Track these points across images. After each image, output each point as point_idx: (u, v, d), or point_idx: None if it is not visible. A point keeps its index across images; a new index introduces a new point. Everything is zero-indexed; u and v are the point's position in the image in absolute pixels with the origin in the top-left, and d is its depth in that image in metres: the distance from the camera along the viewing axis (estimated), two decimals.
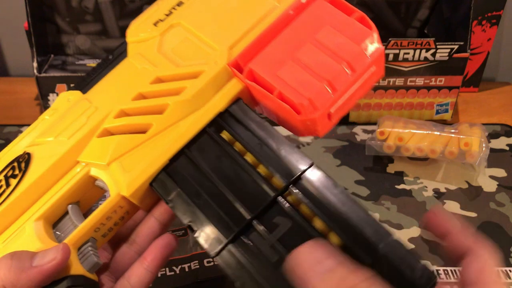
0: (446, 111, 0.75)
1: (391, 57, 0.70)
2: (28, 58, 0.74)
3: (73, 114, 0.37)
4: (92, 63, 0.76)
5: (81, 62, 0.77)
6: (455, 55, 0.70)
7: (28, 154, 0.36)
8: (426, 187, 0.64)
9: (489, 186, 0.64)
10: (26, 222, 0.35)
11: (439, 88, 0.73)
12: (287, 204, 0.32)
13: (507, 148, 0.70)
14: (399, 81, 0.73)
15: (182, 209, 0.33)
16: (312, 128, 0.36)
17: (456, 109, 0.78)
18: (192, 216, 0.33)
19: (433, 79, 0.72)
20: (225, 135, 0.36)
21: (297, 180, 0.32)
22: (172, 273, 0.52)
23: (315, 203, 0.31)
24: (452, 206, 0.61)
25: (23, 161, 0.36)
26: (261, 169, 0.34)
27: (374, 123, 0.74)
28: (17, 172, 0.36)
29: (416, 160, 0.68)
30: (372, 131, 0.70)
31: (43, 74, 0.71)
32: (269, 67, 0.36)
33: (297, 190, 0.32)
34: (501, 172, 0.66)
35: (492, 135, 0.72)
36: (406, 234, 0.57)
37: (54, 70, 0.73)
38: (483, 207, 0.61)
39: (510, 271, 0.53)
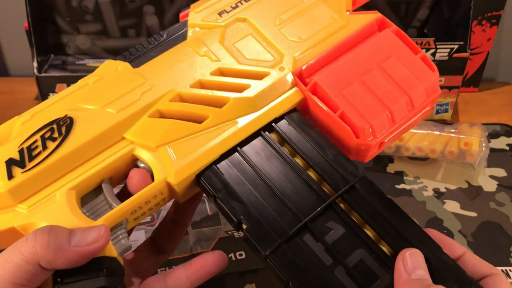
0: (446, 111, 0.75)
1: None
2: (28, 58, 0.73)
3: (123, 86, 0.36)
4: (92, 63, 0.76)
5: (81, 62, 0.77)
6: (455, 55, 0.70)
7: (71, 119, 0.34)
8: (426, 187, 0.64)
9: (489, 186, 0.64)
10: (57, 190, 0.33)
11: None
12: (340, 211, 0.32)
13: (507, 148, 0.70)
14: None
15: (231, 205, 0.33)
16: (363, 153, 0.36)
17: (456, 109, 0.78)
18: (243, 213, 0.32)
19: None
20: (274, 136, 0.36)
21: (350, 188, 0.33)
22: None
23: (368, 212, 0.32)
24: (452, 206, 0.61)
25: (64, 125, 0.34)
26: (311, 173, 0.34)
27: None
28: (56, 135, 0.34)
29: (416, 160, 0.68)
30: None
31: (43, 74, 0.71)
32: (335, 85, 0.36)
33: (350, 198, 0.33)
34: (501, 172, 0.66)
35: (492, 135, 0.72)
36: None
37: (54, 70, 0.73)
38: (483, 206, 0.61)
39: (510, 270, 0.53)
